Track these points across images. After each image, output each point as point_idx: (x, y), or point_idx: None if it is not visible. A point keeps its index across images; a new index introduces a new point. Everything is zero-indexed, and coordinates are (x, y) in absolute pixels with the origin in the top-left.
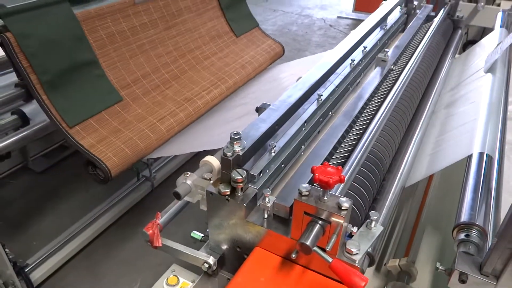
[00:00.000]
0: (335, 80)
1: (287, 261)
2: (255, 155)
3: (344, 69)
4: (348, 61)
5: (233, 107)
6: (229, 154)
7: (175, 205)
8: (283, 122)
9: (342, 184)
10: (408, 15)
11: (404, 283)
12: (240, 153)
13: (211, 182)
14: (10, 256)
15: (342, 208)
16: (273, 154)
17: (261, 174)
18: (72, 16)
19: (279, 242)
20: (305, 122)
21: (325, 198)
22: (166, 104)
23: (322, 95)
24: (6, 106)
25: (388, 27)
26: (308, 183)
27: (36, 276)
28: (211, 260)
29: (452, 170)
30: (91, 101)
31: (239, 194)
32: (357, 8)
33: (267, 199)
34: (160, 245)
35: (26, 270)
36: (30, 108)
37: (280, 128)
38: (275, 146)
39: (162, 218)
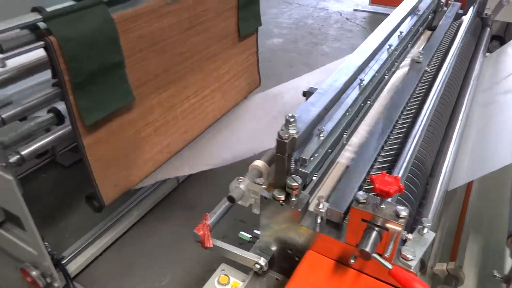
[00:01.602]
0: (374, 66)
1: (340, 265)
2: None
3: (382, 54)
4: (386, 46)
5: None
6: (285, 136)
7: (221, 207)
8: (331, 106)
9: None
10: (435, 12)
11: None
12: (296, 136)
13: (264, 187)
14: (49, 249)
15: (400, 216)
16: (322, 138)
17: (311, 159)
18: (109, 18)
19: (332, 246)
20: (349, 107)
21: (383, 206)
22: (155, 110)
23: (363, 80)
24: (45, 104)
25: (420, 12)
26: (360, 188)
27: (72, 268)
28: (263, 261)
29: (493, 172)
30: (108, 102)
31: (293, 199)
32: (374, 0)
33: (321, 205)
34: (211, 245)
35: (63, 262)
36: (63, 106)
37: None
38: (324, 130)
39: (210, 219)
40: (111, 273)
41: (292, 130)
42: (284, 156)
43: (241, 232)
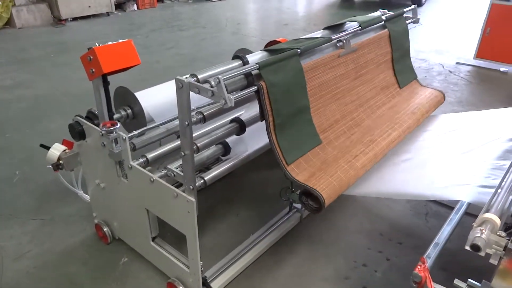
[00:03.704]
0: None
1: None
2: None
3: None
4: None
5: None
6: None
7: (434, 252)
8: None
9: None
10: None
11: None
12: None
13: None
14: (202, 268)
15: None
16: None
17: None
18: (300, 68)
19: None
20: None
21: None
22: (355, 146)
23: None
24: (223, 138)
25: None
26: None
27: None
28: None
29: None
30: (301, 143)
31: None
32: (479, 55)
33: None
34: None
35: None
36: (231, 139)
37: None
38: None
39: (427, 262)
40: None
41: None
42: None
43: (456, 279)
